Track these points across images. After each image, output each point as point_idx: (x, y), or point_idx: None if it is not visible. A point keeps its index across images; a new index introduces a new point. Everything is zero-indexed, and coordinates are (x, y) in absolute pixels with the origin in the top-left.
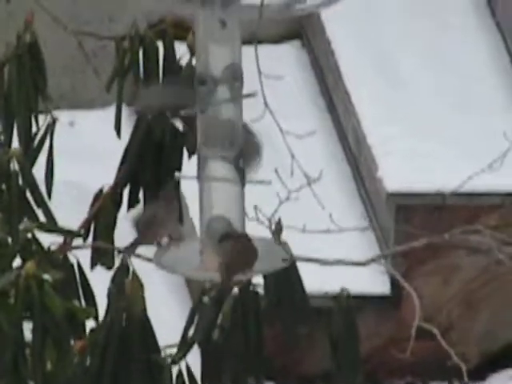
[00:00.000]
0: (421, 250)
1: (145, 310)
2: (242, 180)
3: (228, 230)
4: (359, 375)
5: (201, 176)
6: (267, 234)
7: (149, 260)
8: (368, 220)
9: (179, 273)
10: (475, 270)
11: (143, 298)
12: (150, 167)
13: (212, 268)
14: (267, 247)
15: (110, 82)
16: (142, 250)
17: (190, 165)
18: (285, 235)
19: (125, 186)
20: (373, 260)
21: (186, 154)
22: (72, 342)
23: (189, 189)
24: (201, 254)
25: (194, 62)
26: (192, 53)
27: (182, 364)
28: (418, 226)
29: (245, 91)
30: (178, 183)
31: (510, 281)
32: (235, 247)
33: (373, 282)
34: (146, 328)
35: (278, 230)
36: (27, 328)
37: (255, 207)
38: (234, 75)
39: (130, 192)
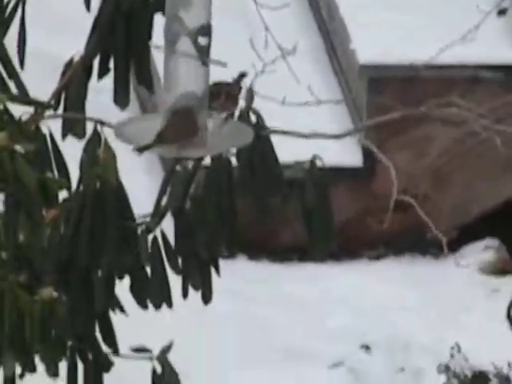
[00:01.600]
0: (394, 122)
1: (118, 177)
2: (204, 58)
3: (179, 106)
4: (332, 245)
5: (168, 49)
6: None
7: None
8: (341, 92)
9: (133, 143)
10: (448, 141)
11: (116, 167)
12: (120, 36)
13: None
14: (237, 126)
15: None
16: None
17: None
18: (261, 107)
19: (95, 55)
20: (347, 133)
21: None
22: (45, 213)
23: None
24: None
25: None
26: None
27: (157, 231)
28: (391, 98)
29: None
30: (148, 51)
31: (484, 152)
32: (172, 120)
33: (345, 154)
34: (121, 195)
35: (249, 97)
36: None
37: (232, 79)
38: None
39: (101, 61)
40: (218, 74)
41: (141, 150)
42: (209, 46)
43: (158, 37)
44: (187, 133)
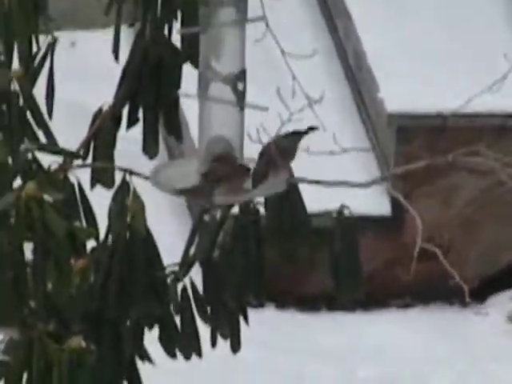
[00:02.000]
0: (421, 171)
1: (147, 227)
2: (241, 102)
3: (222, 152)
4: (360, 293)
5: (201, 96)
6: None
7: (146, 178)
8: (369, 141)
9: (172, 192)
10: (475, 191)
11: (145, 217)
12: (148, 86)
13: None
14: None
15: (109, 5)
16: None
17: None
18: None
19: (124, 105)
20: (374, 182)
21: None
22: (73, 262)
23: (190, 107)
24: (198, 174)
25: None
26: None
27: (186, 281)
28: (419, 147)
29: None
30: (177, 101)
31: (510, 202)
32: (221, 167)
33: (373, 203)
34: (150, 245)
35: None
36: (28, 249)
37: (258, 129)
38: None
39: (129, 111)
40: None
41: (206, 208)
42: (244, 90)
43: (187, 84)
44: (237, 177)
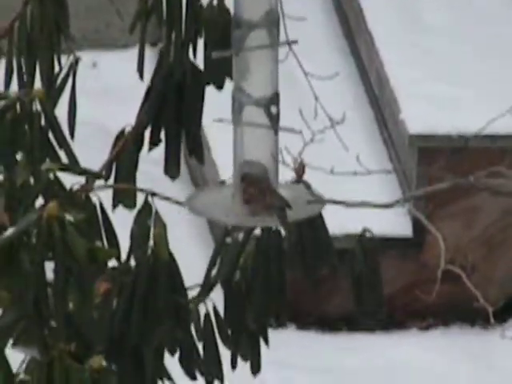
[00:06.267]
0: (443, 192)
1: (171, 252)
2: (275, 126)
3: (253, 174)
4: (381, 315)
5: (235, 120)
6: (292, 175)
7: (178, 203)
8: (391, 162)
9: (209, 217)
10: (497, 212)
11: (167, 241)
12: (171, 107)
13: (240, 213)
14: (294, 192)
15: (133, 24)
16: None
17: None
18: (309, 177)
19: (146, 126)
20: (396, 202)
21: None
22: (95, 283)
23: (212, 132)
24: (233, 199)
25: (215, 2)
26: None
27: (209, 305)
28: (440, 168)
29: None
30: (200, 123)
31: None
32: (249, 188)
33: (395, 224)
34: (173, 270)
35: (300, 171)
36: (49, 268)
37: (280, 150)
38: (272, 20)
39: (152, 132)
40: None
41: (229, 230)
42: (278, 114)
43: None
44: (272, 202)
